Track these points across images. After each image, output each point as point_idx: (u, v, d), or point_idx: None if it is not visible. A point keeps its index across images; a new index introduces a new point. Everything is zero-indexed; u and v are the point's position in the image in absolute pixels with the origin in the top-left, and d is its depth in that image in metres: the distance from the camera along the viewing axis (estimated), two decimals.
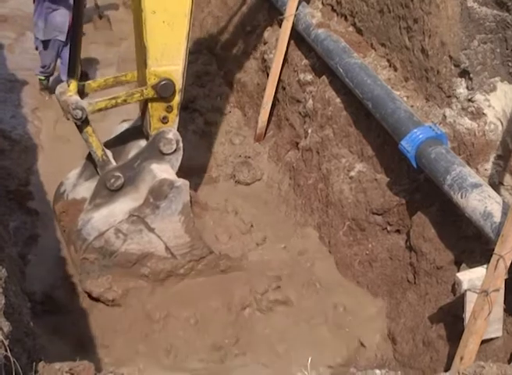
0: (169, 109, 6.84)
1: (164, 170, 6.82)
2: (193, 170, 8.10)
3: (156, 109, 6.82)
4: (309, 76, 8.46)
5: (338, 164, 7.48)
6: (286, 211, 8.18)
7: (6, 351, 3.00)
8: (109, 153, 6.90)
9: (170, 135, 6.89)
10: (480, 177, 5.56)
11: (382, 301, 6.68)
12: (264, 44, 9.52)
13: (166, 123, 6.88)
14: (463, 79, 6.14)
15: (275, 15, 9.24)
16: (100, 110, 6.69)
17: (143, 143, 7.06)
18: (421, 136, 5.93)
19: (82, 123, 6.56)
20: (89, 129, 6.63)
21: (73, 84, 6.69)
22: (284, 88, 8.94)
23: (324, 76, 8.04)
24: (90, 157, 7.02)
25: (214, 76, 10.35)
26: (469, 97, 6.03)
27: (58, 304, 6.74)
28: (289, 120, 8.78)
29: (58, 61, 10.20)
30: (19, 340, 3.64)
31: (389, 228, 6.80)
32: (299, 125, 8.53)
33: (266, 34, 9.52)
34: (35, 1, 9.84)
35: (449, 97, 6.27)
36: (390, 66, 7.22)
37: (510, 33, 5.63)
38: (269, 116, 9.17)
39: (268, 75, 9.12)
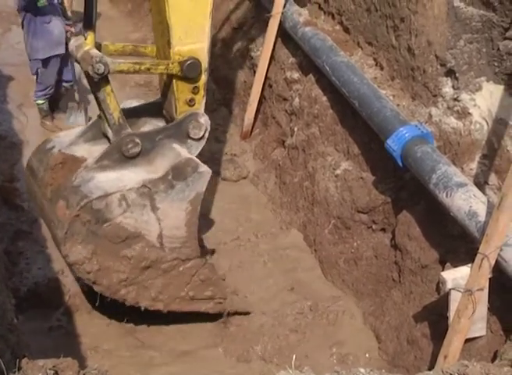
0: (196, 91, 6.53)
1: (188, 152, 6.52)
2: None
3: (182, 91, 6.52)
4: (296, 75, 8.47)
5: (324, 162, 7.49)
6: (271, 209, 8.18)
7: None
8: None
9: (202, 120, 6.62)
10: (465, 177, 5.58)
11: (367, 300, 6.69)
12: (251, 41, 9.52)
13: (193, 105, 6.59)
14: (449, 78, 6.16)
15: (262, 12, 9.23)
16: (121, 71, 6.33)
17: (160, 123, 6.79)
18: (407, 135, 5.94)
19: (100, 81, 6.13)
20: (108, 87, 6.21)
21: (91, 37, 6.32)
22: (271, 86, 8.95)
23: (311, 75, 8.05)
24: (95, 121, 6.72)
25: None
26: (455, 96, 6.06)
27: (42, 300, 6.72)
28: (276, 118, 8.78)
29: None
30: (2, 336, 3.63)
31: (374, 227, 6.81)
32: (285, 123, 8.53)
33: (253, 32, 9.53)
34: (24, 22, 9.31)
35: (435, 96, 6.28)
36: (377, 64, 7.24)
37: (495, 34, 5.65)
38: (256, 113, 9.17)
39: (254, 72, 9.12)
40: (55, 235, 6.37)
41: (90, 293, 6.72)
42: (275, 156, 8.56)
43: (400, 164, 6.01)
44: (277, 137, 8.70)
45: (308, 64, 8.11)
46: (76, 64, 9.16)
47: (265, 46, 8.82)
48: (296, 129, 8.15)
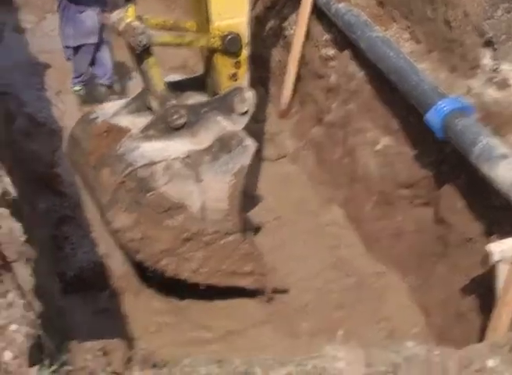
0: (238, 65, 6.53)
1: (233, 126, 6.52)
2: None
3: (224, 67, 6.53)
4: (331, 51, 8.41)
5: (363, 138, 7.45)
6: (312, 187, 8.16)
7: (39, 330, 3.03)
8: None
9: (247, 95, 6.63)
10: (507, 148, 5.51)
11: (412, 275, 6.67)
12: (285, 20, 9.46)
13: (236, 80, 6.59)
14: (487, 49, 6.10)
15: None
16: (163, 44, 6.37)
17: (204, 98, 6.77)
18: (446, 108, 5.88)
19: (143, 52, 6.11)
20: (151, 59, 6.19)
21: (132, 9, 6.28)
22: (306, 64, 8.90)
23: (346, 51, 7.99)
24: (140, 94, 6.71)
25: None
26: (494, 67, 5.99)
27: (88, 284, 6.78)
28: (313, 96, 8.74)
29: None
30: (50, 320, 3.68)
31: (416, 201, 6.76)
32: (322, 100, 8.49)
33: (286, 10, 9.46)
34: (60, 8, 9.36)
35: (473, 68, 6.21)
36: (413, 38, 7.17)
37: None
38: (292, 92, 9.13)
39: (289, 51, 9.08)
40: (97, 202, 6.41)
41: (136, 274, 6.83)
42: (314, 134, 8.52)
43: (441, 137, 5.96)
44: (315, 114, 8.66)
45: (343, 40, 8.05)
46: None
47: (299, 24, 8.77)
48: (333, 106, 8.10)
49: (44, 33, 11.77)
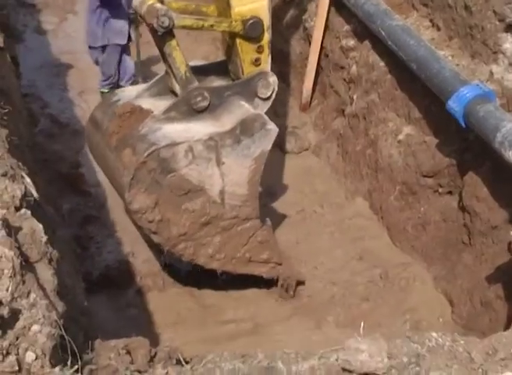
0: (260, 50, 6.46)
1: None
2: None
3: (247, 52, 6.46)
4: (351, 42, 8.38)
5: (385, 128, 7.41)
6: (335, 179, 8.14)
7: (61, 330, 3.03)
8: None
9: (271, 80, 6.56)
10: None
11: (437, 265, 6.62)
12: (305, 12, 9.43)
13: (259, 64, 6.51)
14: (509, 34, 6.03)
15: None
16: (184, 27, 6.29)
17: (227, 83, 6.74)
18: (468, 94, 5.83)
19: (165, 35, 6.06)
20: (173, 41, 6.15)
21: None
22: (327, 55, 8.87)
23: (366, 41, 7.95)
24: (161, 77, 6.68)
25: None
26: None
27: (114, 283, 6.82)
28: (334, 87, 8.71)
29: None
30: (74, 319, 3.69)
31: (440, 190, 6.72)
32: (344, 92, 8.46)
33: (305, 2, 9.43)
34: (91, 12, 9.24)
35: (495, 53, 6.16)
36: (433, 25, 7.13)
37: None
38: (313, 84, 9.11)
39: (309, 43, 9.05)
40: (117, 183, 6.36)
41: (161, 271, 6.89)
42: (336, 126, 8.50)
43: (463, 125, 5.92)
44: (336, 106, 8.63)
45: (363, 30, 8.02)
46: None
47: (319, 15, 8.74)
48: (355, 97, 8.07)
49: (66, 34, 11.86)
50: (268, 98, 6.61)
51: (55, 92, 10.14)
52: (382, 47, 7.53)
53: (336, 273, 6.94)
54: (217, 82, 6.76)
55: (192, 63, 6.65)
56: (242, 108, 6.36)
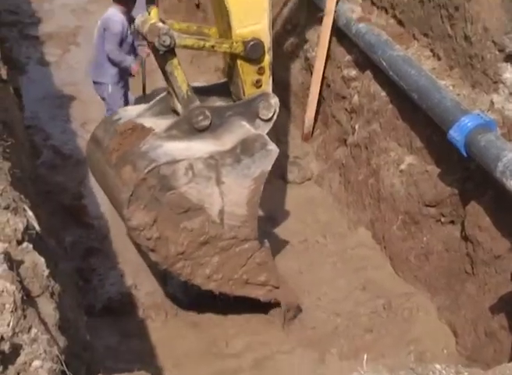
0: (261, 71, 6.48)
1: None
2: None
3: (248, 74, 6.49)
4: (353, 72, 8.42)
5: (387, 158, 7.42)
6: (338, 209, 8.14)
7: (63, 365, 3.02)
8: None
9: (272, 101, 6.57)
10: None
11: (441, 295, 6.60)
12: (306, 42, 9.49)
13: (260, 86, 6.54)
14: (508, 64, 6.05)
15: (314, 12, 9.20)
16: (186, 46, 6.29)
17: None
18: (469, 124, 5.85)
19: (166, 54, 6.10)
20: (175, 60, 6.18)
21: (155, 11, 6.38)
22: (329, 85, 8.91)
23: (368, 71, 7.99)
24: (164, 96, 6.71)
25: None
26: None
27: (116, 315, 6.79)
28: (336, 117, 8.74)
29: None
30: (76, 354, 3.66)
31: (443, 220, 6.71)
32: (346, 121, 8.48)
33: (307, 32, 9.49)
34: (98, 46, 9.18)
35: (495, 82, 6.18)
36: (434, 55, 7.15)
37: None
38: (315, 114, 9.14)
39: (311, 73, 9.09)
40: (116, 200, 6.32)
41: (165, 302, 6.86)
42: (338, 155, 8.51)
43: (465, 154, 5.92)
44: (338, 136, 8.65)
45: (365, 60, 8.06)
46: None
47: (320, 45, 8.78)
48: (357, 126, 8.10)
49: (69, 66, 11.92)
50: (269, 120, 6.62)
51: (57, 124, 10.16)
52: (383, 77, 7.57)
53: (340, 304, 6.91)
54: (219, 103, 6.78)
55: (194, 84, 6.70)
56: (243, 129, 6.37)
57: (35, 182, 6.82)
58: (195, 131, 6.31)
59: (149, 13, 6.41)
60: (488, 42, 6.18)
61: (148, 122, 6.52)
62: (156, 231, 6.02)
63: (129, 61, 9.16)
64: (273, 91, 6.65)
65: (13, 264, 3.36)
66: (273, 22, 10.12)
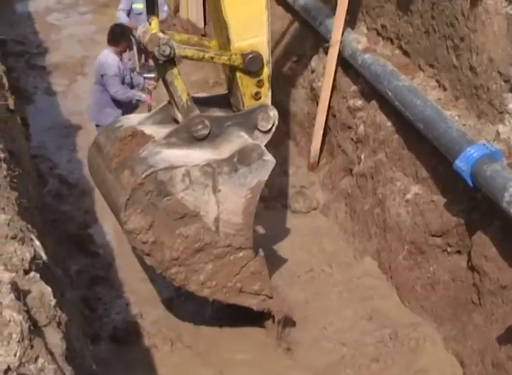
0: (260, 84, 6.57)
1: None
2: None
3: (247, 86, 6.58)
4: (359, 102, 8.45)
5: (393, 188, 7.43)
6: (344, 238, 8.13)
7: None
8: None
9: (271, 113, 6.65)
10: None
11: (447, 325, 6.57)
12: (312, 72, 9.55)
13: (259, 98, 6.63)
14: None
15: (320, 43, 9.27)
16: (185, 57, 6.42)
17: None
18: (475, 154, 5.86)
19: (167, 63, 6.22)
20: (175, 70, 6.30)
21: (155, 21, 6.48)
22: (334, 115, 8.94)
23: (374, 101, 8.03)
24: (165, 106, 6.80)
25: None
26: None
27: (121, 345, 6.77)
28: (342, 147, 8.76)
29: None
30: None
31: (449, 249, 6.70)
32: (351, 151, 8.51)
33: (313, 63, 9.55)
34: (99, 91, 9.33)
35: (501, 113, 6.19)
36: (439, 86, 7.17)
37: None
38: (321, 144, 9.17)
39: (317, 103, 9.13)
40: (114, 204, 6.41)
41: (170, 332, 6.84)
42: (344, 185, 8.53)
43: (471, 184, 5.92)
44: (344, 165, 8.67)
45: (370, 91, 8.10)
46: None
47: (326, 76, 8.83)
48: (362, 156, 8.11)
49: (76, 96, 12.02)
50: (267, 131, 6.71)
51: (64, 153, 10.23)
52: (389, 107, 7.60)
53: (346, 333, 6.88)
54: (219, 114, 6.84)
55: (195, 95, 6.82)
56: (241, 139, 6.45)
57: (41, 211, 6.84)
58: (194, 140, 6.42)
59: (150, 24, 6.51)
60: (493, 73, 6.21)
61: (149, 130, 6.64)
62: (152, 236, 6.12)
63: (138, 93, 9.27)
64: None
65: (20, 294, 3.37)
66: (279, 52, 10.27)
